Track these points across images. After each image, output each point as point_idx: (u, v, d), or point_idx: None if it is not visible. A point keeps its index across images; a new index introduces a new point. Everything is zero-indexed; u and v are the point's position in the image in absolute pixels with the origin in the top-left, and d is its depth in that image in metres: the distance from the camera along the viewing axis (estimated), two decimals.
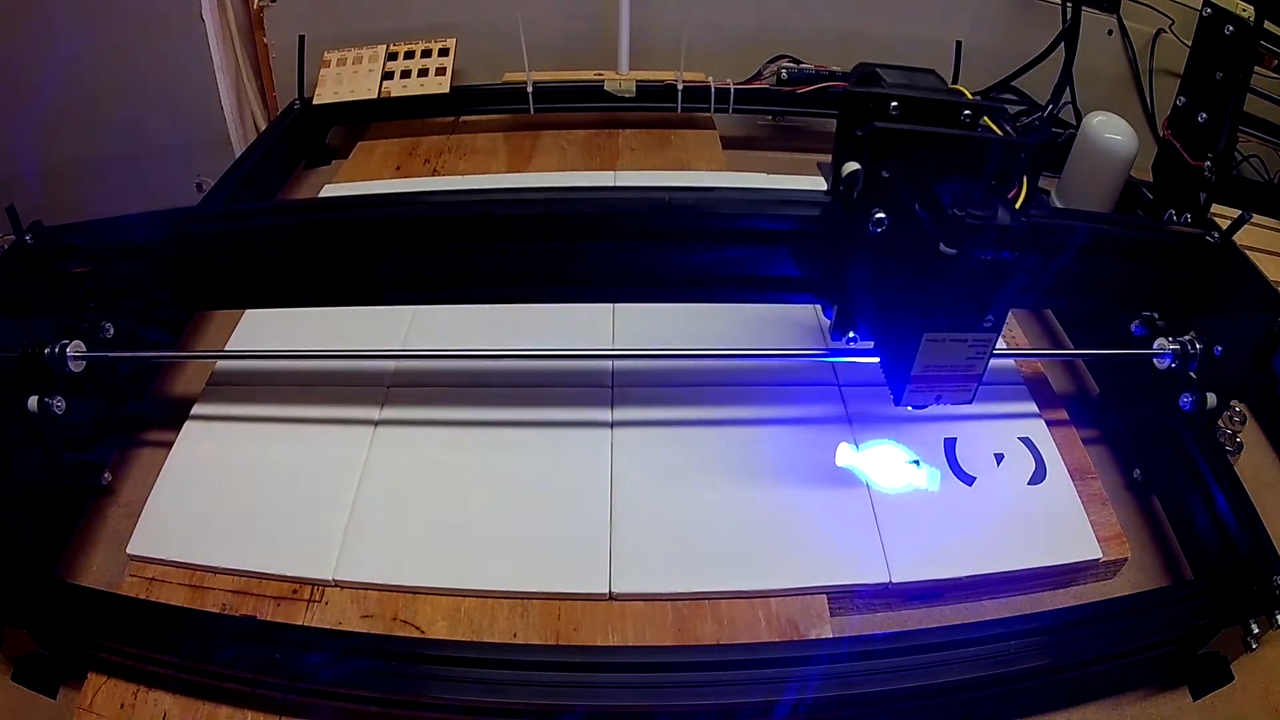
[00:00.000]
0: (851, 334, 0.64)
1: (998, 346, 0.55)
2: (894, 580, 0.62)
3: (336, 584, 0.62)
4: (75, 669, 0.59)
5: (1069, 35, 1.08)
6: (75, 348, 0.67)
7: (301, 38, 1.16)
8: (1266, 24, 0.80)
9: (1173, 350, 0.70)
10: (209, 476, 0.69)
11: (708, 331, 0.75)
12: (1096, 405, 0.84)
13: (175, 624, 0.57)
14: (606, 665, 0.54)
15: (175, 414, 0.74)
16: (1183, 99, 0.96)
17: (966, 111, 0.54)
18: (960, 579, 0.63)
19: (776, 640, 0.58)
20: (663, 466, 0.69)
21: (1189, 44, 0.96)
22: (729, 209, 0.63)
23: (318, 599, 0.61)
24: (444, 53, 1.19)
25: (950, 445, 0.72)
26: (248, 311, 0.83)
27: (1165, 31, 1.21)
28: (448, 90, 1.16)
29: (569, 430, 0.72)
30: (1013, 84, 1.23)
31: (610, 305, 0.82)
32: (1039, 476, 0.70)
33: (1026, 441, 0.72)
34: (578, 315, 0.79)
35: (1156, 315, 0.72)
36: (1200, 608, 0.58)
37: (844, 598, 0.63)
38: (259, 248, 0.68)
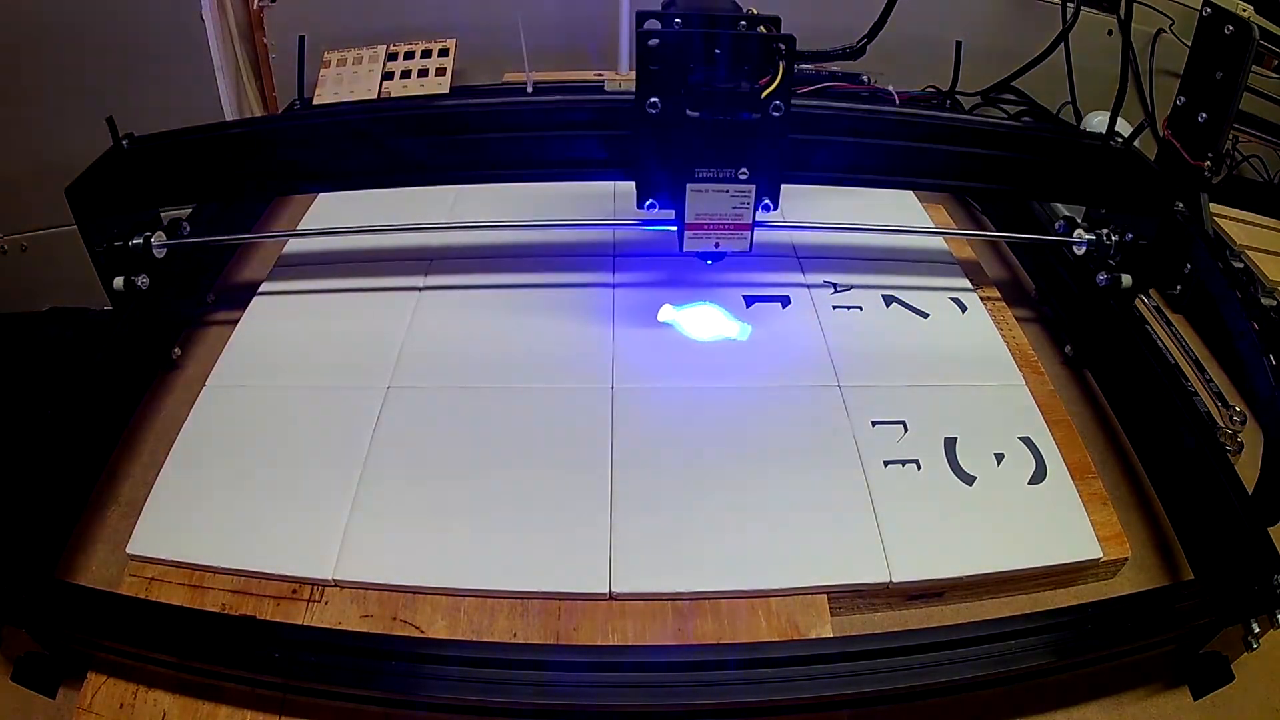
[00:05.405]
0: (650, 200, 0.73)
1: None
2: (894, 580, 0.62)
3: (336, 584, 0.62)
4: (75, 669, 0.59)
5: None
6: (158, 238, 0.81)
7: (301, 38, 1.16)
8: (1266, 24, 0.81)
9: (1088, 240, 0.83)
10: (211, 465, 0.69)
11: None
12: (1034, 300, 0.97)
13: (175, 624, 0.57)
14: (606, 665, 0.54)
15: (239, 301, 0.88)
16: (1183, 99, 0.96)
17: (743, 22, 0.65)
18: (960, 579, 0.63)
19: (776, 640, 0.58)
20: (663, 466, 0.69)
21: (1189, 44, 0.96)
22: (554, 107, 0.77)
23: (317, 599, 0.61)
24: (444, 53, 1.19)
25: (950, 445, 0.72)
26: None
27: (1165, 31, 1.20)
28: (448, 91, 1.16)
29: (568, 429, 0.72)
30: (1013, 84, 1.23)
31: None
32: (1039, 476, 0.70)
33: (1027, 441, 0.72)
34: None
35: (1079, 219, 0.87)
36: (1200, 607, 0.58)
37: (844, 598, 0.63)
38: (321, 140, 0.82)
